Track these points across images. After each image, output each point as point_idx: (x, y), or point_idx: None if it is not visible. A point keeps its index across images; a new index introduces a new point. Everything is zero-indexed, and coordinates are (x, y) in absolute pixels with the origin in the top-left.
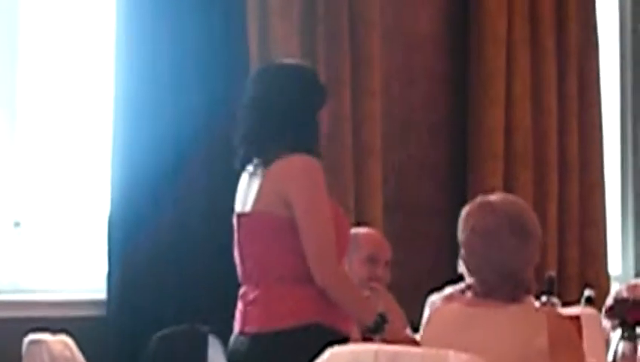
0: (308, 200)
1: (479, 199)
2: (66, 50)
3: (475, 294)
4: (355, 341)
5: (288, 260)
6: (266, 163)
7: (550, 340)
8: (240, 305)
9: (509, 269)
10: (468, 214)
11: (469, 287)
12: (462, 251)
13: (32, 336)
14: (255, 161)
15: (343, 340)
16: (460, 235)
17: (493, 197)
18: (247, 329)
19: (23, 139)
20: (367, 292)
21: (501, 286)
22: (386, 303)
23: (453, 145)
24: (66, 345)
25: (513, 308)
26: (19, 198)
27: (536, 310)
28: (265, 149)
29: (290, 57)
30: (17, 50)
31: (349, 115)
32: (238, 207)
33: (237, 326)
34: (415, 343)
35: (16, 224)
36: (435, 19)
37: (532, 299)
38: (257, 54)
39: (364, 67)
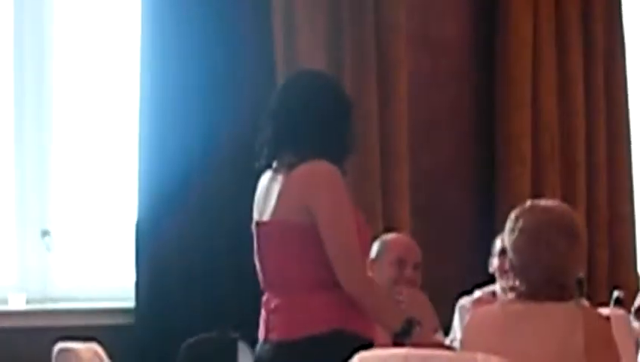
0: (332, 208)
1: (528, 203)
2: (94, 62)
3: (519, 295)
4: (382, 346)
5: (309, 268)
6: (288, 167)
7: (586, 339)
8: (263, 313)
9: (556, 269)
10: (517, 216)
11: (513, 289)
12: (509, 253)
13: (61, 345)
14: (276, 163)
15: (367, 345)
16: (508, 237)
17: (542, 201)
18: (270, 336)
19: (51, 149)
20: (400, 297)
21: (546, 288)
22: (421, 306)
23: (480, 149)
24: (95, 353)
25: (550, 306)
26: (47, 207)
27: (574, 308)
28: (288, 154)
29: (316, 65)
30: (48, 65)
31: (376, 120)
32: (257, 215)
33: (261, 334)
34: (444, 347)
35: (45, 233)
36: (461, 23)
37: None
38: (283, 62)
39: (391, 72)
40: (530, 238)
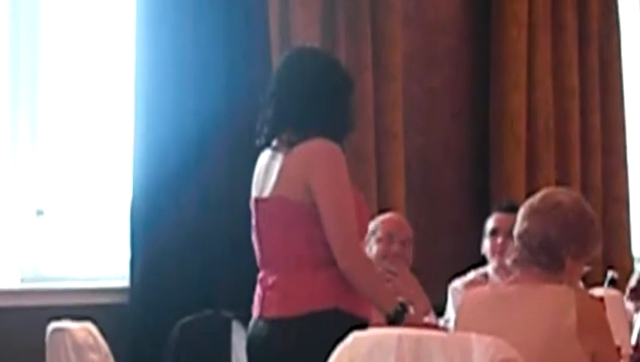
0: (331, 186)
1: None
2: (88, 43)
3: (514, 262)
4: (376, 325)
5: (307, 246)
6: (288, 145)
7: (578, 320)
8: (259, 290)
9: (542, 237)
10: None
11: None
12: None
13: (55, 324)
14: (276, 142)
15: (362, 325)
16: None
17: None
18: (266, 314)
19: (45, 127)
20: (390, 276)
21: (536, 258)
22: (410, 287)
23: (475, 129)
24: (89, 332)
25: (543, 288)
26: (41, 187)
27: (566, 290)
28: (288, 132)
29: (311, 43)
30: (40, 42)
31: (371, 100)
32: (256, 192)
33: (255, 311)
34: (436, 328)
35: (39, 212)
36: (456, 2)
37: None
38: (278, 42)
39: (386, 52)
40: (522, 219)
